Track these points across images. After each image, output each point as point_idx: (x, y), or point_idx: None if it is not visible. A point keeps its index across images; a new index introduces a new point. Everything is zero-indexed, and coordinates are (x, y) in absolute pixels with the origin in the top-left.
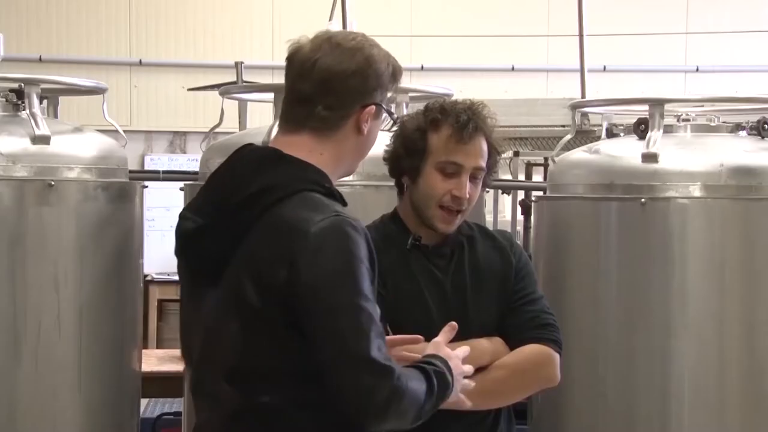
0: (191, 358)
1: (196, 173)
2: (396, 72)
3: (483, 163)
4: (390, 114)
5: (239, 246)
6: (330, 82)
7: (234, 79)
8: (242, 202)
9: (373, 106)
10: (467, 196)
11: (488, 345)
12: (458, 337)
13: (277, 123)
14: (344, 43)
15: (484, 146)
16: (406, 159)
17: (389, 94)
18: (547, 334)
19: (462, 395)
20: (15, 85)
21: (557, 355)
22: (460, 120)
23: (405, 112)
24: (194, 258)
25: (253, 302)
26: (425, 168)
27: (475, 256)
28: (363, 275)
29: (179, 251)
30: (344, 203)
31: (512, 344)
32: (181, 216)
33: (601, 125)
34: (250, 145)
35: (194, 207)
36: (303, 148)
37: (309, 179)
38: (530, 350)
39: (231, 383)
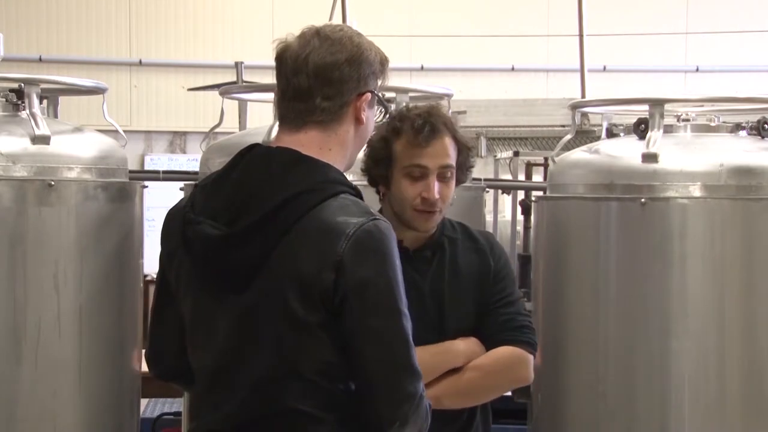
0: (198, 365)
1: (196, 173)
2: (383, 61)
3: (450, 161)
4: (383, 103)
5: (273, 252)
6: (325, 72)
7: (234, 79)
8: (275, 209)
9: (369, 94)
10: (437, 196)
11: (463, 347)
12: (433, 341)
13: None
14: (332, 34)
15: (449, 145)
16: (375, 169)
17: (380, 83)
18: (521, 336)
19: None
20: (15, 85)
21: (530, 356)
22: (415, 125)
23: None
24: (223, 265)
25: (297, 308)
26: (394, 175)
27: (455, 259)
28: (401, 278)
29: (198, 257)
30: (363, 199)
31: (487, 345)
32: (192, 220)
33: (601, 125)
34: (259, 146)
35: (208, 212)
36: (312, 146)
37: (339, 181)
38: (503, 352)
39: (257, 388)
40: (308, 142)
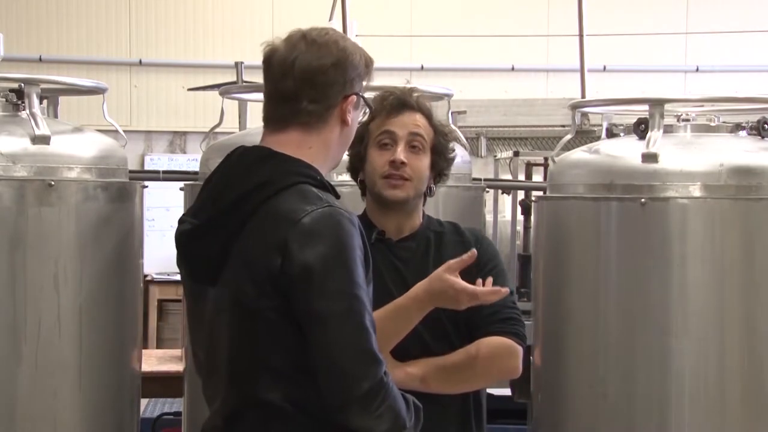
0: (199, 361)
1: (196, 173)
2: (368, 62)
3: (419, 131)
4: (368, 104)
5: (235, 244)
6: (312, 77)
7: (234, 79)
8: (236, 200)
9: (354, 96)
10: (402, 158)
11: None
12: (420, 331)
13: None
14: (319, 39)
15: (420, 120)
16: (351, 150)
17: (364, 84)
18: (509, 327)
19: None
20: (15, 85)
21: (519, 348)
22: (385, 100)
23: None
24: (192, 258)
25: (251, 295)
26: (368, 151)
27: (440, 252)
28: (356, 264)
29: (178, 254)
30: (337, 195)
31: (475, 337)
32: (180, 221)
33: (601, 125)
34: (241, 147)
35: (192, 211)
36: (291, 144)
37: (301, 173)
38: (491, 341)
39: (232, 381)
40: (287, 141)
